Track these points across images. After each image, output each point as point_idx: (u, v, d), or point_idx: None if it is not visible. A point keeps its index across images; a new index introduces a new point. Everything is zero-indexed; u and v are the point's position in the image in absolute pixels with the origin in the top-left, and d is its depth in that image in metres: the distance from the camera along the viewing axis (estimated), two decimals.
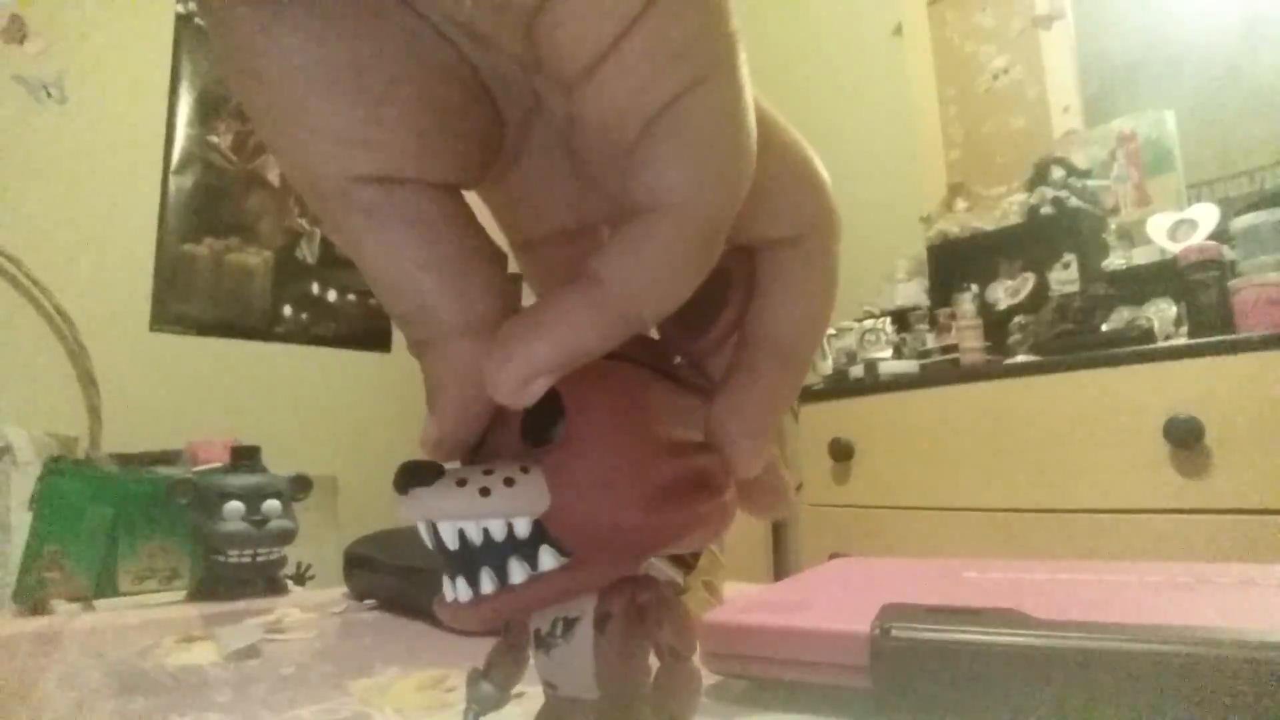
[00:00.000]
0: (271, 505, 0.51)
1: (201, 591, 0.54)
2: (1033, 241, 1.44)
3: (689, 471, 0.15)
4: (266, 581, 0.53)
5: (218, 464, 0.60)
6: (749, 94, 0.13)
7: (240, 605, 0.49)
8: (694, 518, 0.15)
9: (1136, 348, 1.08)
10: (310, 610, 0.44)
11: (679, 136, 0.12)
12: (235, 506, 0.50)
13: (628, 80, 0.12)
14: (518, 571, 0.14)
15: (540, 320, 0.13)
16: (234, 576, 0.52)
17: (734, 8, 0.12)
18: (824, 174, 0.16)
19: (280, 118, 0.13)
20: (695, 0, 0.12)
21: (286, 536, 0.52)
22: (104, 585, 0.79)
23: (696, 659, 0.15)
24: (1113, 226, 1.43)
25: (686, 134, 0.12)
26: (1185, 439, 0.97)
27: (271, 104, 0.12)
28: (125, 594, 0.78)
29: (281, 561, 0.53)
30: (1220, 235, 1.21)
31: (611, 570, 0.14)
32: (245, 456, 0.54)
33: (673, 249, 0.13)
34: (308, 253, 2.06)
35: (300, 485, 0.55)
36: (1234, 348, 0.98)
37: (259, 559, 0.51)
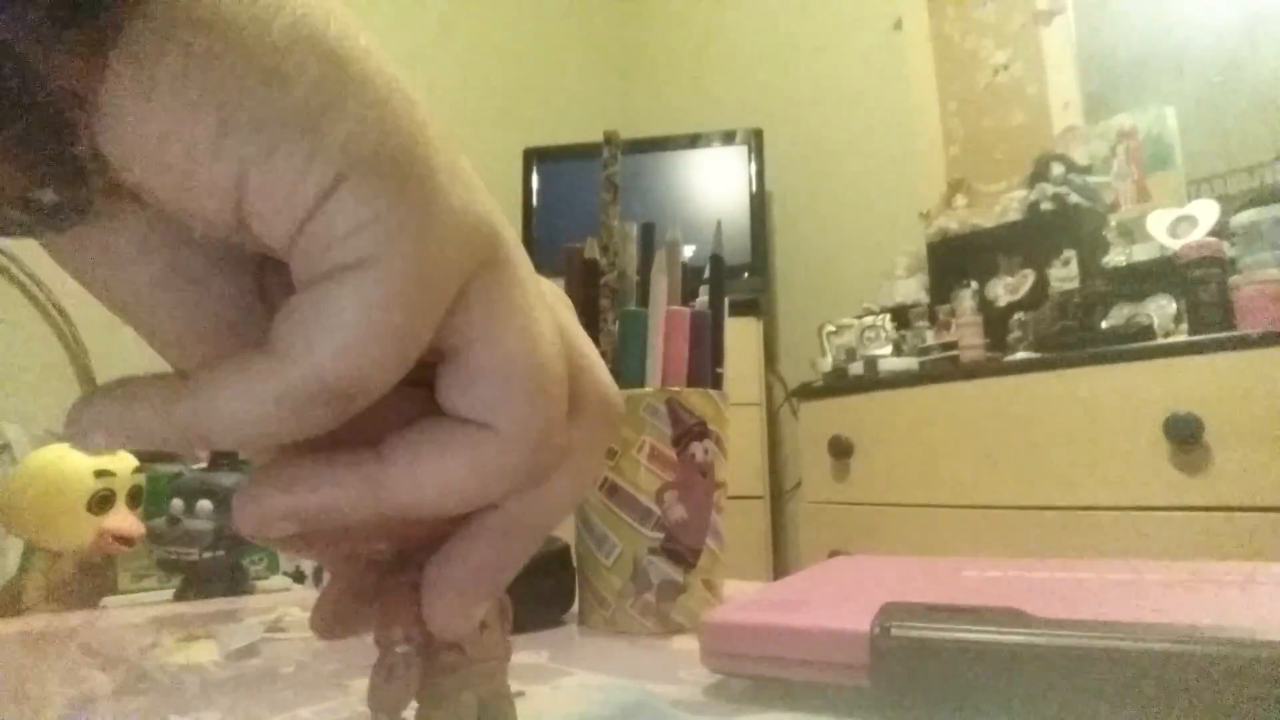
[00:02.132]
0: (203, 505, 0.51)
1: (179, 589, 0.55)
2: (1033, 238, 1.44)
3: None
4: (201, 581, 0.53)
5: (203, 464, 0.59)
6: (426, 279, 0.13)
7: (240, 604, 0.49)
8: None
9: (1136, 345, 1.08)
10: (310, 609, 0.44)
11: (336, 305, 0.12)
12: (176, 504, 0.50)
13: (314, 254, 0.12)
14: None
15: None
16: (186, 574, 0.53)
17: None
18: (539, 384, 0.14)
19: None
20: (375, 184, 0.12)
21: (197, 539, 0.51)
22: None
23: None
24: (1113, 223, 1.43)
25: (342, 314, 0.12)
26: (1185, 436, 0.97)
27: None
28: (124, 592, 0.78)
29: (211, 563, 0.53)
30: (1220, 232, 1.21)
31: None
32: (224, 456, 0.54)
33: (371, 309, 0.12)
34: None
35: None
36: (1234, 344, 0.98)
37: (178, 558, 0.51)
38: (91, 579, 0.54)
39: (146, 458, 0.63)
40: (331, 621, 0.17)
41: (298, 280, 0.13)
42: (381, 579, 0.17)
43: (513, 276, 0.14)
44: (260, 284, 0.15)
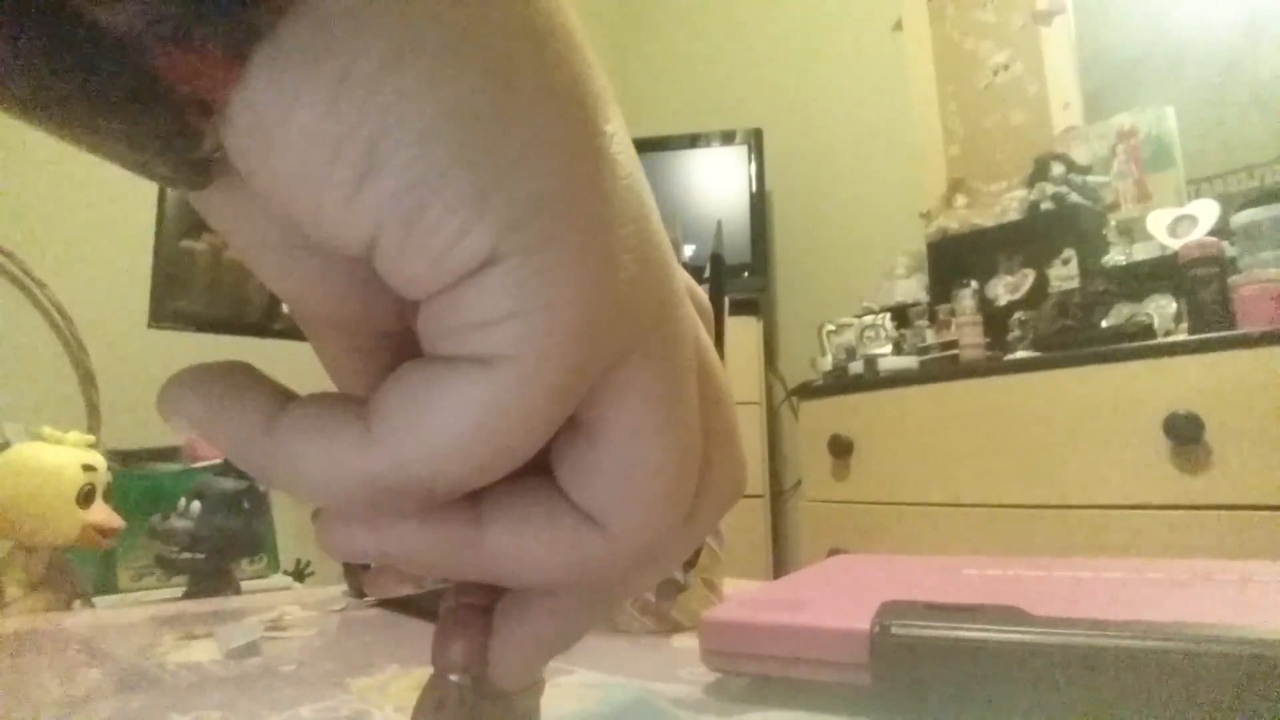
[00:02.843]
0: (193, 507, 0.52)
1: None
2: (1033, 237, 1.44)
3: None
4: (194, 579, 0.54)
5: (216, 460, 0.60)
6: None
7: (240, 603, 0.49)
8: None
9: (1136, 344, 1.08)
10: (310, 608, 0.44)
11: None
12: (182, 504, 0.51)
13: (443, 330, 0.11)
14: None
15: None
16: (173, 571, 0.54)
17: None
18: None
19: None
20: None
21: (174, 536, 0.52)
22: (104, 582, 0.80)
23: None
24: (1113, 222, 1.43)
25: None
26: (1185, 435, 0.97)
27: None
28: (125, 590, 0.78)
29: (190, 562, 0.53)
30: (1220, 231, 1.21)
31: None
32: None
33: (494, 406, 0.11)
34: None
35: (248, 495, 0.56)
36: (1234, 344, 0.98)
37: (166, 555, 0.52)
38: (64, 576, 0.55)
39: (150, 457, 0.63)
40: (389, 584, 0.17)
41: (422, 340, 0.11)
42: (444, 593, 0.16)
43: (668, 359, 0.12)
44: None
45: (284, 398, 0.12)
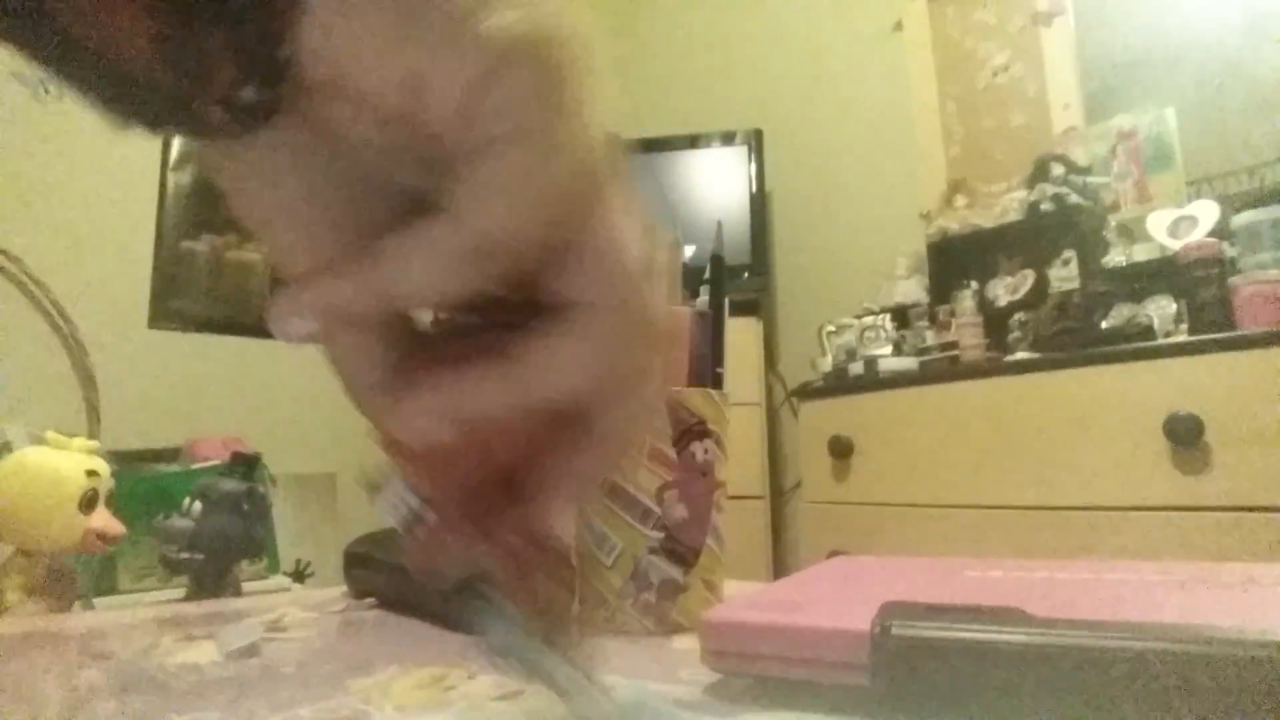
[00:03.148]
0: (195, 507, 0.52)
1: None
2: (1033, 238, 1.44)
3: None
4: (195, 580, 0.54)
5: (215, 461, 0.60)
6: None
7: (240, 604, 0.49)
8: None
9: (1136, 345, 1.08)
10: (310, 609, 0.44)
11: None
12: (185, 504, 0.52)
13: (474, 127, 0.15)
14: None
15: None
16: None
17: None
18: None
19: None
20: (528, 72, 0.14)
21: (175, 535, 0.52)
22: (104, 582, 0.80)
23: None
24: (1113, 223, 1.43)
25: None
26: (1185, 436, 0.97)
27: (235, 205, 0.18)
28: (125, 591, 0.78)
29: (189, 563, 0.53)
30: (1220, 232, 1.21)
31: None
32: (241, 463, 0.55)
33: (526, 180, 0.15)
34: None
35: (249, 496, 0.56)
36: (1234, 345, 0.98)
37: (166, 555, 0.52)
38: (64, 582, 0.55)
39: (151, 458, 0.63)
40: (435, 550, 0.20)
41: (459, 151, 0.15)
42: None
43: (623, 187, 0.17)
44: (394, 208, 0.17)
45: (364, 249, 0.16)
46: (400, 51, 0.14)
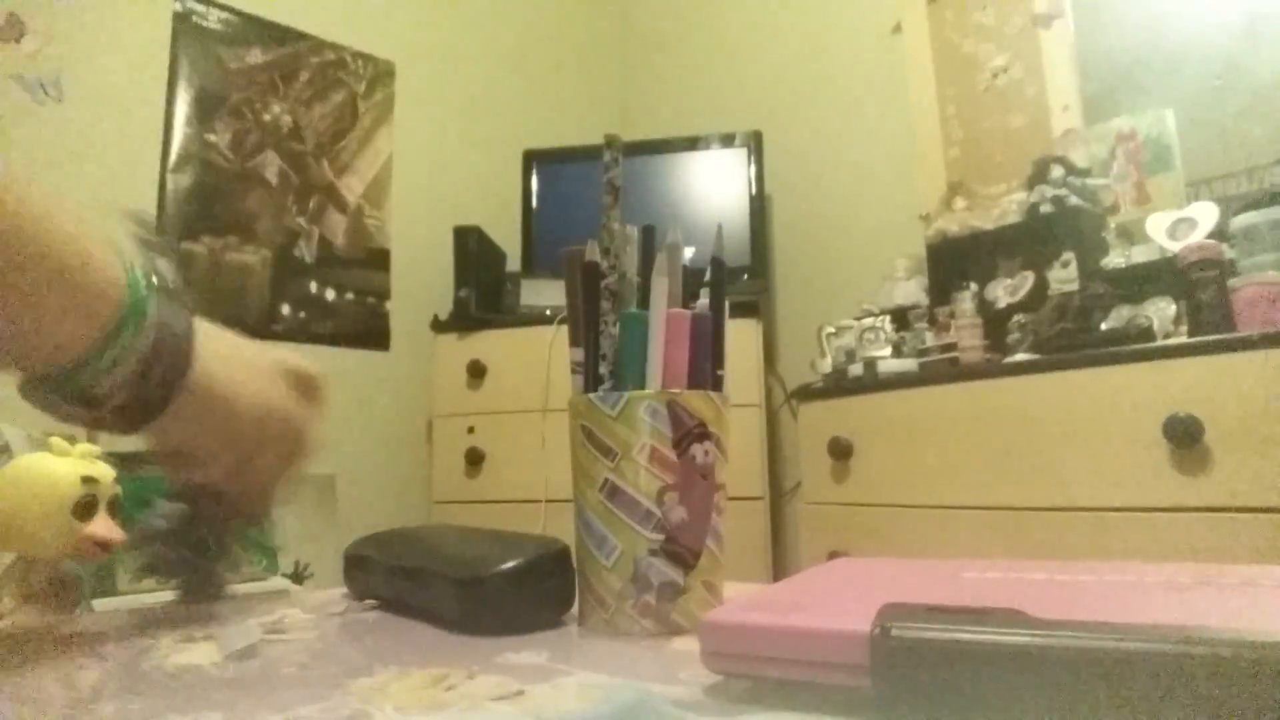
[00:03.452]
0: (171, 507, 0.52)
1: None
2: (1032, 240, 1.44)
3: None
4: (182, 585, 0.54)
5: None
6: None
7: (239, 605, 0.49)
8: None
9: (1136, 346, 1.08)
10: (310, 610, 0.44)
11: None
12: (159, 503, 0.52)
13: None
14: None
15: None
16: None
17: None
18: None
19: None
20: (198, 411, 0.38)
21: (147, 534, 0.52)
22: (102, 584, 0.79)
23: None
24: (1112, 225, 1.43)
25: None
26: (1185, 438, 0.97)
27: None
28: (123, 593, 0.78)
29: (175, 564, 0.53)
30: (1220, 234, 1.21)
31: None
32: None
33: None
34: (306, 251, 2.06)
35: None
36: (1233, 346, 0.98)
37: (148, 555, 0.52)
38: (65, 589, 0.54)
39: (147, 459, 0.63)
40: None
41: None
42: None
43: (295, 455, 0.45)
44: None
45: None
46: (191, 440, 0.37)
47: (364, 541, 0.48)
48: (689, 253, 0.40)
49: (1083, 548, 1.06)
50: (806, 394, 1.56)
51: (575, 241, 0.40)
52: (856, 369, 1.48)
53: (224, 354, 0.37)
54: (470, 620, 0.36)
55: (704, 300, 0.40)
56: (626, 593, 0.35)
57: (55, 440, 0.54)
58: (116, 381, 0.33)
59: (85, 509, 0.53)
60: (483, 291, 1.96)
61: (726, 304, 0.40)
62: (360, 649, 0.33)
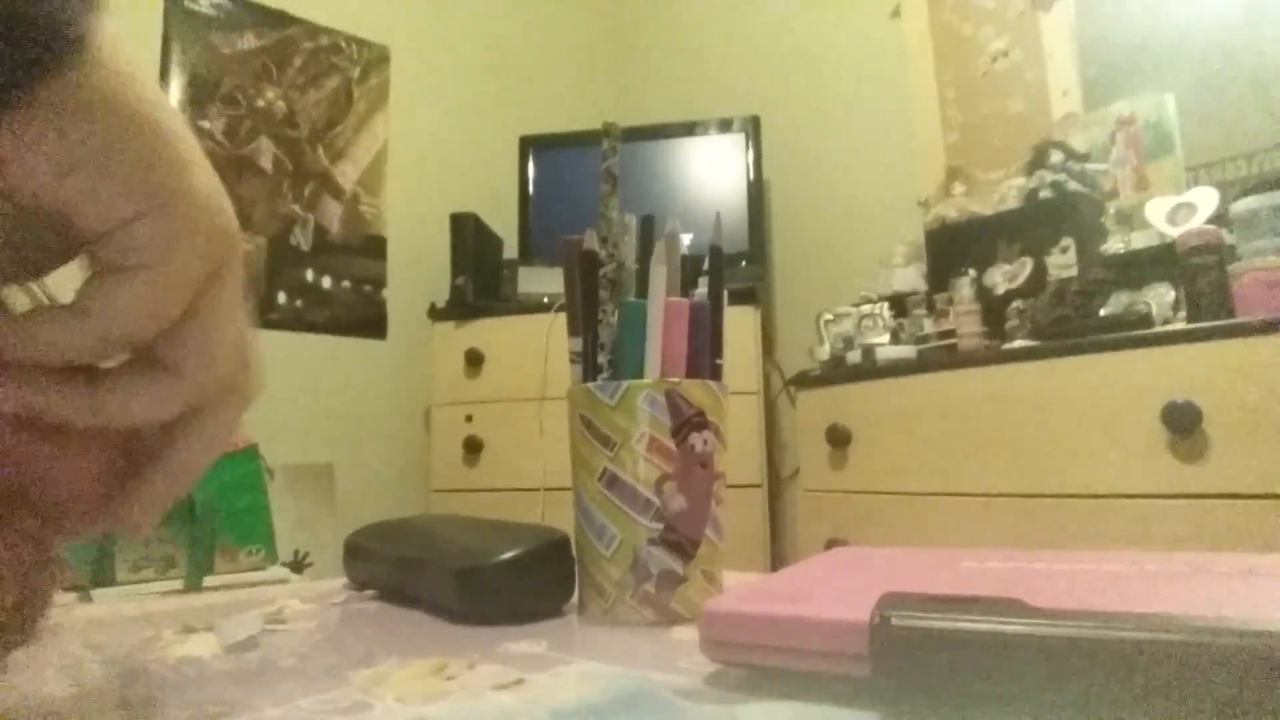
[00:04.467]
0: None
1: None
2: (1031, 226, 1.43)
3: None
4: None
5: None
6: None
7: (239, 596, 0.49)
8: None
9: (1134, 332, 1.08)
10: (310, 601, 0.44)
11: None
12: None
13: (115, 254, 0.19)
14: None
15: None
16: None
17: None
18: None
19: None
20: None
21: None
22: (101, 575, 0.80)
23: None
24: (1111, 210, 1.43)
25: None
26: (1183, 424, 0.97)
27: None
28: (122, 583, 0.78)
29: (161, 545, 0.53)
30: (1219, 219, 1.21)
31: None
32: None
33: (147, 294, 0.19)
34: (301, 239, 2.05)
35: None
36: (1232, 332, 0.98)
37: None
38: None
39: None
40: None
41: (98, 260, 0.19)
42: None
43: (238, 273, 0.22)
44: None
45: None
46: (60, 187, 0.17)
47: (363, 531, 0.48)
48: (686, 239, 0.40)
49: (1081, 534, 1.06)
50: (805, 381, 1.57)
51: (572, 228, 0.40)
52: (855, 356, 1.48)
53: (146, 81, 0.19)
54: (470, 610, 0.36)
55: (703, 288, 0.40)
56: (626, 582, 0.35)
57: None
58: None
59: None
60: (480, 279, 1.95)
61: (725, 293, 0.40)
62: (360, 639, 0.33)
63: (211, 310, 0.21)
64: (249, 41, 2.00)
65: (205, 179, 0.20)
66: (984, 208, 1.58)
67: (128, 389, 0.20)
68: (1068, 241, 1.36)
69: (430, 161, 2.30)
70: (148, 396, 0.21)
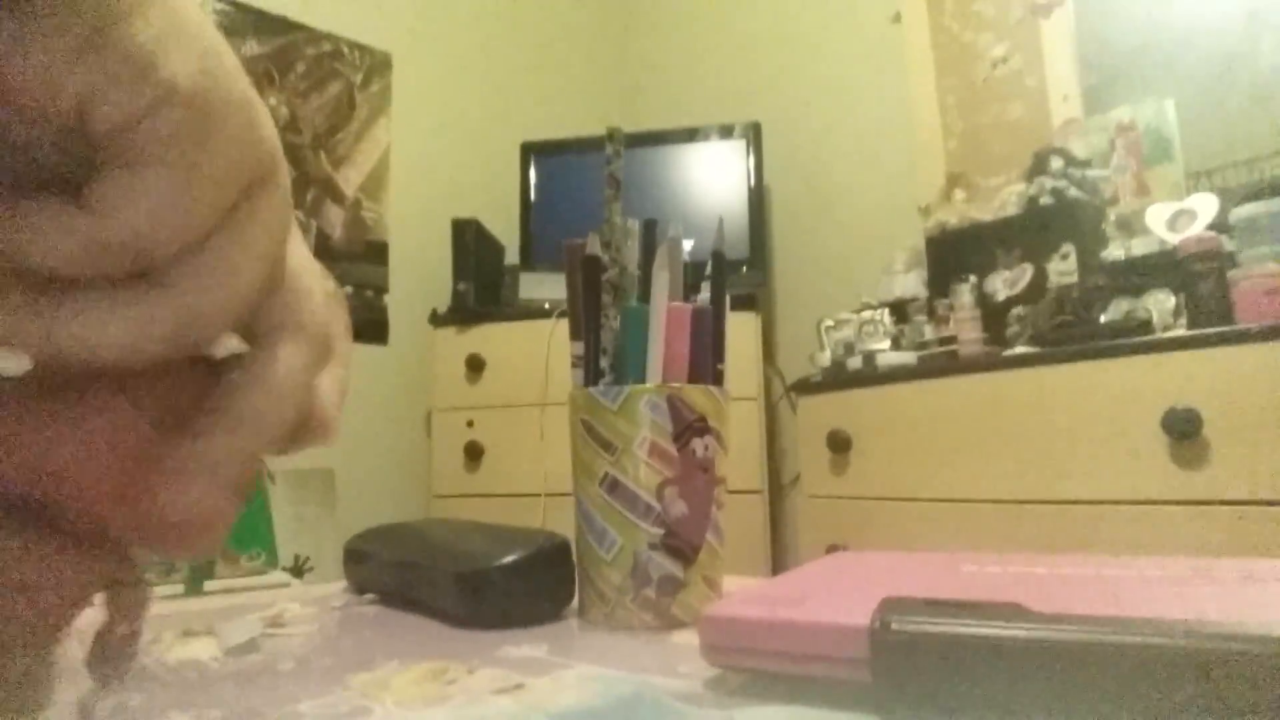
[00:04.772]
0: None
1: None
2: (1031, 232, 1.44)
3: None
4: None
5: None
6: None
7: (239, 599, 0.49)
8: None
9: (1135, 339, 1.08)
10: (310, 605, 0.44)
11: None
12: None
13: (133, 147, 0.16)
14: None
15: None
16: None
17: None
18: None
19: None
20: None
21: None
22: None
23: None
24: (1112, 217, 1.43)
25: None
26: (1183, 430, 0.97)
27: None
28: None
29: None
30: (1220, 225, 1.21)
31: None
32: None
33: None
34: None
35: None
36: (1233, 339, 0.98)
37: None
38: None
39: None
40: None
41: (107, 157, 0.16)
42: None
43: (278, 198, 0.18)
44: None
45: None
46: (69, 81, 0.14)
47: (364, 535, 0.48)
48: (688, 245, 0.40)
49: (1081, 540, 1.06)
50: (805, 387, 1.57)
51: (573, 234, 0.40)
52: (855, 362, 1.48)
53: None
54: (470, 614, 0.36)
55: (704, 294, 0.40)
56: (626, 587, 0.35)
57: None
58: None
59: None
60: (481, 285, 1.96)
61: (727, 298, 0.40)
62: (360, 643, 0.33)
63: (237, 228, 0.17)
64: (251, 48, 2.01)
65: (237, 75, 0.17)
66: (984, 214, 1.58)
67: (97, 305, 0.16)
68: (1068, 248, 1.36)
69: (432, 167, 2.31)
70: (122, 315, 0.16)
